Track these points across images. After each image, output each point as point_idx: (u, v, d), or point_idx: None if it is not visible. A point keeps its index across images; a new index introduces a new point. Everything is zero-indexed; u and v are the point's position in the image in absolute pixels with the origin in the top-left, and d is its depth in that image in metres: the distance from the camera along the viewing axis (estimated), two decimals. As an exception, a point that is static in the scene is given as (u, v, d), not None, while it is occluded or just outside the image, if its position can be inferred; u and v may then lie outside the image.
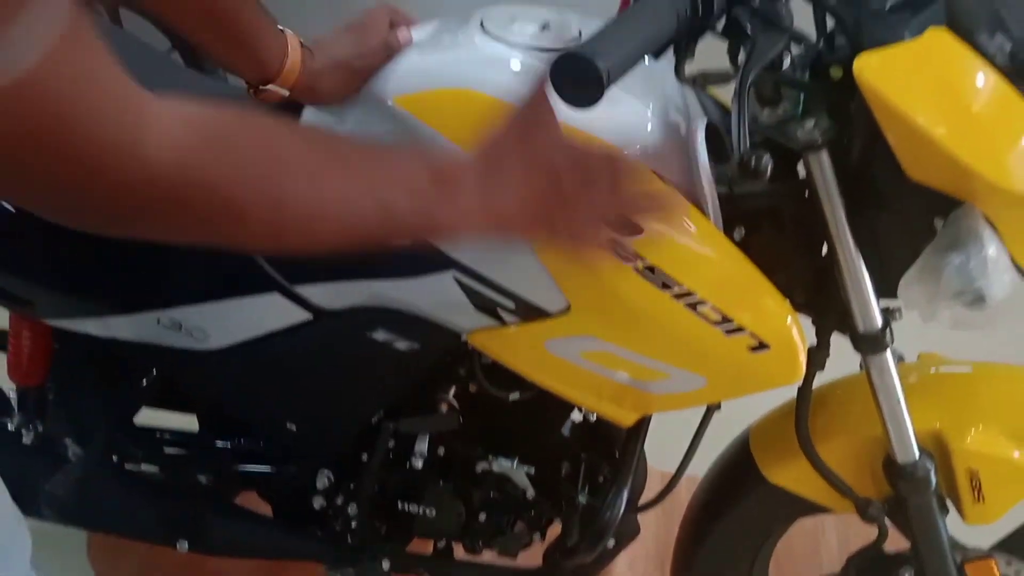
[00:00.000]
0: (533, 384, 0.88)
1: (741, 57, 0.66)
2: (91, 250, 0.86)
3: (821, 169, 0.74)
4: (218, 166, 0.52)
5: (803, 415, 0.91)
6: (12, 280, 0.92)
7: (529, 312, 0.82)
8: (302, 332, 0.90)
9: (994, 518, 0.92)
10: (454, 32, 0.83)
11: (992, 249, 0.68)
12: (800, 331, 0.81)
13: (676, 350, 0.81)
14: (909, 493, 0.89)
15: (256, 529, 1.12)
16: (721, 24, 0.67)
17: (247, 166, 0.54)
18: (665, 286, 0.76)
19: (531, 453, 1.02)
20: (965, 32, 0.66)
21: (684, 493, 1.10)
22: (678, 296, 0.77)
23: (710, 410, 0.99)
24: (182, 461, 1.14)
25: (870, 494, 0.94)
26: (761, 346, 0.79)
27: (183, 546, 1.09)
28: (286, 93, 0.82)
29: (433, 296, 0.83)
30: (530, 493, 1.03)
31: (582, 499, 1.01)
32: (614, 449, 1.01)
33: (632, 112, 0.78)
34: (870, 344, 0.82)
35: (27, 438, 1.09)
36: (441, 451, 1.02)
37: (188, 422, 1.17)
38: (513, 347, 0.85)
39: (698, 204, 0.77)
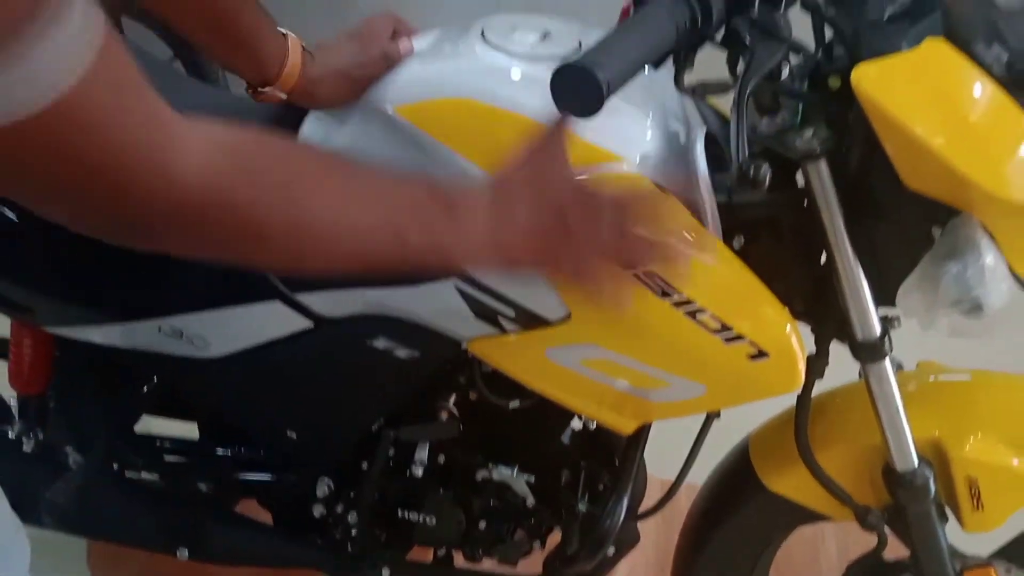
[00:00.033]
0: (533, 392, 0.88)
1: (740, 67, 0.67)
2: (92, 258, 0.86)
3: (820, 178, 0.75)
4: (243, 188, 0.53)
5: (802, 423, 0.91)
6: (13, 287, 0.92)
7: (529, 320, 0.82)
8: (303, 340, 0.91)
9: (993, 526, 0.92)
10: (455, 41, 0.83)
11: (990, 258, 0.69)
12: (799, 339, 0.81)
13: (676, 358, 0.82)
14: (908, 501, 0.90)
15: (256, 537, 1.12)
16: (720, 34, 0.67)
17: (270, 189, 0.55)
18: (665, 294, 0.77)
19: (531, 461, 1.03)
20: (962, 43, 0.66)
21: (684, 501, 1.10)
22: (678, 304, 0.77)
23: (710, 418, 1.00)
24: (182, 469, 1.14)
25: (869, 502, 0.94)
26: (760, 354, 0.79)
27: (183, 554, 1.09)
28: (284, 96, 0.83)
29: (434, 304, 0.84)
30: (530, 501, 1.03)
31: (582, 507, 1.01)
32: (614, 457, 1.02)
33: (632, 121, 0.78)
34: (869, 352, 0.82)
35: (27, 446, 1.10)
36: (441, 459, 1.03)
37: (188, 430, 1.17)
38: (513, 355, 0.86)
39: (697, 213, 0.78)
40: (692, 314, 0.77)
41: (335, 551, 1.09)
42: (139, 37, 1.70)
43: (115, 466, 1.10)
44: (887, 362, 0.83)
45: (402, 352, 0.89)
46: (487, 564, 1.10)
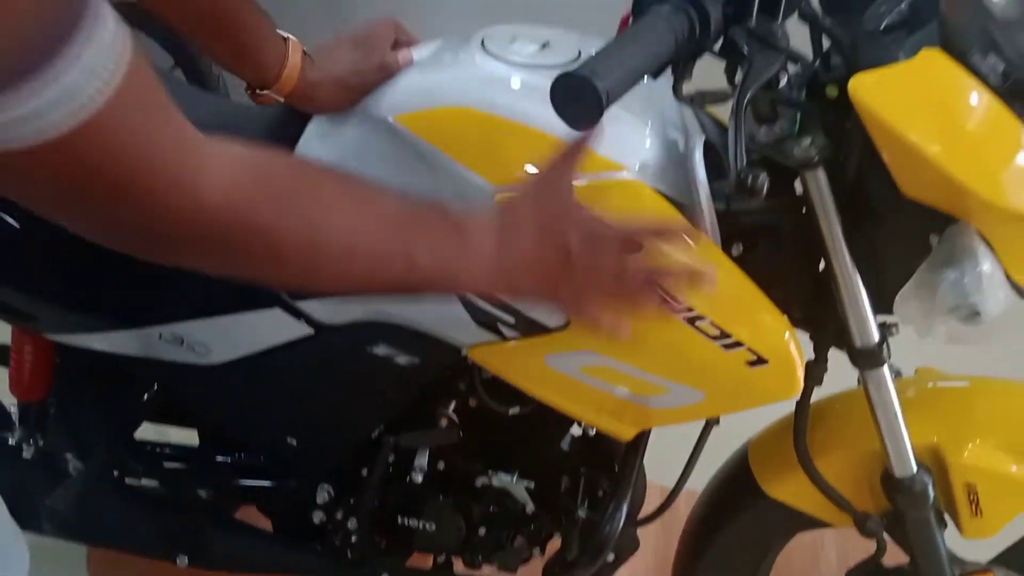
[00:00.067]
0: (533, 399, 0.88)
1: (738, 77, 0.67)
2: (94, 265, 0.86)
3: (818, 186, 0.75)
4: (264, 206, 0.54)
5: (801, 429, 0.91)
6: (15, 295, 0.92)
7: (529, 327, 0.83)
8: (303, 347, 0.91)
9: (992, 532, 0.93)
10: (455, 51, 0.84)
11: (987, 265, 0.69)
12: (798, 346, 0.82)
13: (675, 365, 0.82)
14: (907, 507, 0.90)
15: (256, 544, 1.12)
16: (718, 45, 0.68)
17: (290, 208, 0.56)
18: (664, 302, 0.77)
19: (531, 467, 1.03)
20: (958, 53, 0.67)
21: (683, 507, 1.10)
22: (677, 311, 0.77)
23: (709, 424, 1.00)
24: (182, 476, 1.14)
25: (868, 508, 0.94)
26: (759, 361, 0.80)
27: (183, 561, 1.09)
28: (282, 98, 0.84)
29: (434, 311, 0.84)
30: (530, 507, 1.04)
31: (581, 513, 1.01)
32: (613, 463, 1.02)
33: (631, 129, 0.79)
34: (867, 359, 0.83)
35: (27, 453, 1.10)
36: (441, 465, 1.03)
37: (188, 437, 1.17)
38: (513, 362, 0.86)
39: (696, 220, 0.78)
40: (691, 321, 0.78)
41: (335, 558, 1.09)
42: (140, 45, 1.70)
43: (115, 473, 1.10)
44: (885, 369, 0.83)
45: (402, 359, 0.89)
46: (487, 570, 1.10)
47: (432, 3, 2.33)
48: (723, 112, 0.73)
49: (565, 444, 1.04)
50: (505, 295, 0.76)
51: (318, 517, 1.08)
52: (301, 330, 0.90)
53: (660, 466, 1.11)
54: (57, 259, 0.89)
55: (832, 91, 0.72)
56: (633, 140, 0.78)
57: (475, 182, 0.76)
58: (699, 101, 0.71)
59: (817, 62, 0.76)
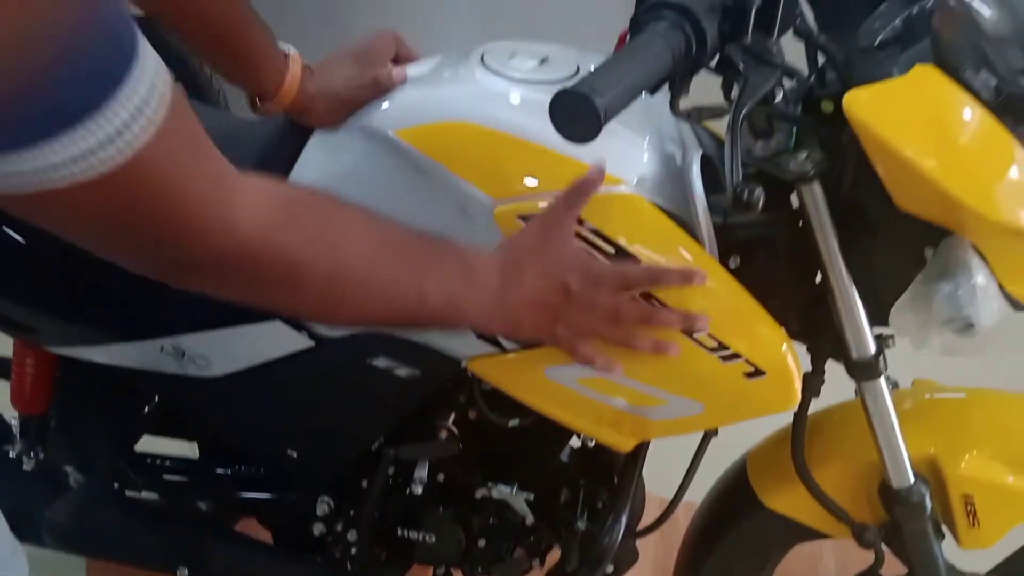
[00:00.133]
0: (532, 410, 0.89)
1: (734, 92, 0.68)
2: (96, 279, 0.87)
3: (814, 200, 0.76)
4: (293, 240, 0.57)
5: (799, 441, 0.92)
6: (18, 308, 0.93)
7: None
8: (304, 359, 0.91)
9: (990, 543, 0.93)
10: (455, 66, 0.85)
11: (980, 278, 0.70)
12: (795, 358, 0.82)
13: (673, 377, 0.82)
14: (905, 518, 0.90)
15: (256, 556, 1.12)
16: (715, 61, 0.69)
17: (317, 242, 0.59)
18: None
19: (530, 479, 1.03)
20: (951, 69, 0.68)
21: (682, 519, 1.10)
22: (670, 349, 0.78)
23: (707, 436, 1.00)
24: (182, 488, 1.14)
25: (866, 519, 0.94)
26: (757, 372, 0.80)
27: (183, 573, 1.09)
28: (281, 111, 0.85)
29: (434, 324, 0.85)
30: (529, 519, 1.04)
31: (581, 525, 1.01)
32: (612, 475, 1.02)
33: (629, 144, 0.80)
34: (864, 371, 0.83)
35: (28, 465, 1.10)
36: (441, 477, 1.03)
37: (188, 449, 1.18)
38: (513, 374, 0.86)
39: (694, 233, 0.79)
40: (689, 333, 0.78)
41: (335, 570, 1.09)
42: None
43: (115, 485, 1.10)
44: (882, 380, 0.84)
45: (402, 371, 0.90)
46: (487, 582, 1.10)
47: (432, 18, 2.35)
48: (720, 127, 0.74)
49: (564, 456, 1.05)
50: (505, 332, 0.79)
51: (318, 529, 1.08)
52: (302, 342, 0.90)
53: (659, 477, 1.11)
54: (59, 272, 0.89)
55: (827, 106, 0.73)
56: (631, 155, 0.79)
57: (475, 196, 0.77)
58: (696, 116, 0.72)
59: (812, 77, 0.77)
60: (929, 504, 0.89)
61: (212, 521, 1.15)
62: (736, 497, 1.04)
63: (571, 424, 0.89)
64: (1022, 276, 0.73)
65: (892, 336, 0.86)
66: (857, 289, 0.79)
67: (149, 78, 0.44)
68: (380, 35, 0.88)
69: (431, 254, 0.68)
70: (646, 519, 1.10)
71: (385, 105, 0.83)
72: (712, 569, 1.08)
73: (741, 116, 0.65)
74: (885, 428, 0.86)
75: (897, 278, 0.76)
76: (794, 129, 0.75)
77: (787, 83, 0.76)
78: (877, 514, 0.93)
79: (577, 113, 0.59)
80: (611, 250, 0.77)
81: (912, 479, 0.88)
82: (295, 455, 1.02)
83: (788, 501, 0.98)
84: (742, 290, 0.80)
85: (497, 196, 0.77)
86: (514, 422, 0.94)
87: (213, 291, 0.59)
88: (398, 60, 0.88)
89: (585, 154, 0.75)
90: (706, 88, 0.72)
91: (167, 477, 1.14)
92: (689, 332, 0.78)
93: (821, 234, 0.77)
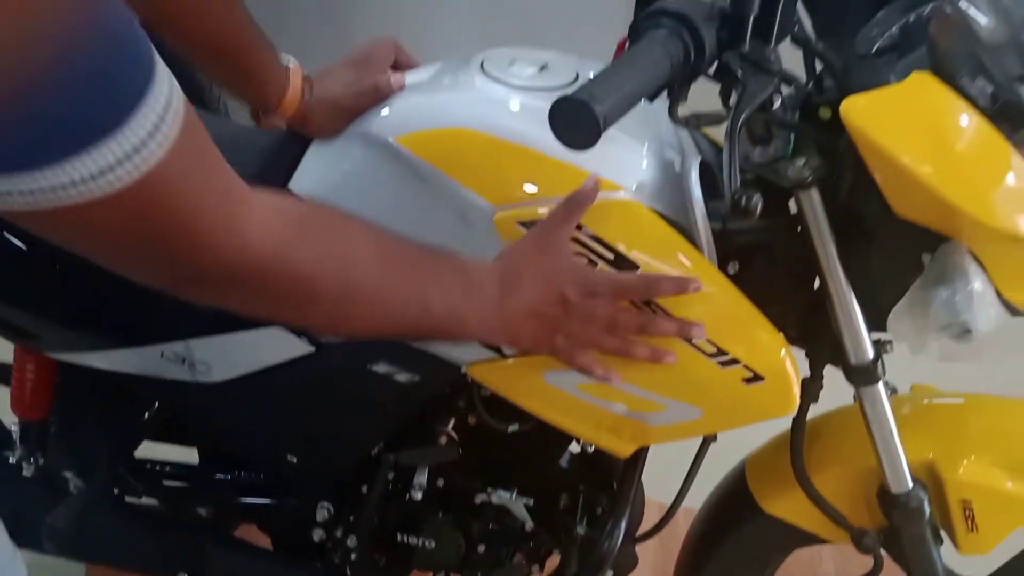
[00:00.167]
0: (532, 416, 0.89)
1: (732, 99, 0.68)
2: (98, 285, 0.87)
3: (812, 206, 0.76)
4: (303, 254, 0.57)
5: (798, 446, 0.92)
6: (20, 314, 0.93)
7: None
8: (304, 365, 0.92)
9: (988, 548, 0.93)
10: (455, 73, 0.85)
11: (978, 283, 0.70)
12: (794, 363, 0.82)
13: (672, 382, 0.83)
14: (903, 523, 0.90)
15: (256, 561, 1.12)
16: (713, 68, 0.69)
17: (325, 256, 0.60)
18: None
19: (530, 485, 1.03)
20: (948, 76, 0.68)
21: (682, 524, 1.10)
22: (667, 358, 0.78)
23: (706, 441, 1.00)
24: (182, 493, 1.14)
25: (865, 524, 0.94)
26: (756, 378, 0.80)
27: (183, 578, 1.09)
28: (284, 123, 0.86)
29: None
30: (529, 525, 1.04)
31: (580, 530, 1.01)
32: (612, 480, 1.02)
33: (628, 150, 0.80)
34: (862, 376, 0.84)
35: (28, 471, 1.10)
36: (440, 483, 1.03)
37: (188, 455, 1.18)
38: (512, 379, 0.87)
39: (692, 239, 0.79)
40: (688, 339, 0.78)
41: (334, 575, 1.09)
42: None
43: (115, 491, 1.10)
44: (880, 385, 0.84)
45: (402, 376, 0.90)
46: (486, 587, 1.10)
47: (431, 25, 2.36)
48: (719, 134, 0.74)
49: (564, 461, 1.05)
50: (505, 343, 0.79)
51: (318, 535, 1.08)
52: (302, 348, 0.91)
53: (658, 483, 1.11)
54: (60, 278, 0.90)
55: (825, 113, 0.74)
56: (630, 161, 0.80)
57: (475, 202, 0.77)
58: (694, 123, 0.73)
59: (810, 84, 0.78)
60: (927, 509, 0.89)
61: (212, 527, 1.14)
62: (735, 502, 1.04)
63: (570, 429, 0.89)
64: (1019, 282, 0.73)
65: (890, 341, 0.86)
66: (855, 295, 0.80)
67: (165, 95, 0.44)
68: (379, 42, 0.89)
69: (434, 267, 0.69)
70: (645, 524, 1.10)
71: (385, 112, 0.83)
72: (711, 574, 1.08)
73: (739, 123, 0.66)
74: (883, 433, 0.86)
75: (895, 284, 0.76)
76: (792, 136, 0.75)
77: (785, 90, 0.76)
78: (876, 519, 0.94)
79: (576, 120, 0.59)
80: (610, 256, 0.77)
81: (911, 484, 0.88)
82: (295, 461, 1.02)
83: (787, 506, 0.98)
84: (741, 296, 0.80)
85: (497, 202, 0.77)
86: (514, 427, 0.94)
87: (224, 305, 0.59)
88: (398, 67, 0.89)
89: (584, 161, 0.75)
90: (704, 95, 0.72)
91: (167, 483, 1.15)
92: (686, 340, 0.78)
93: (819, 240, 0.78)
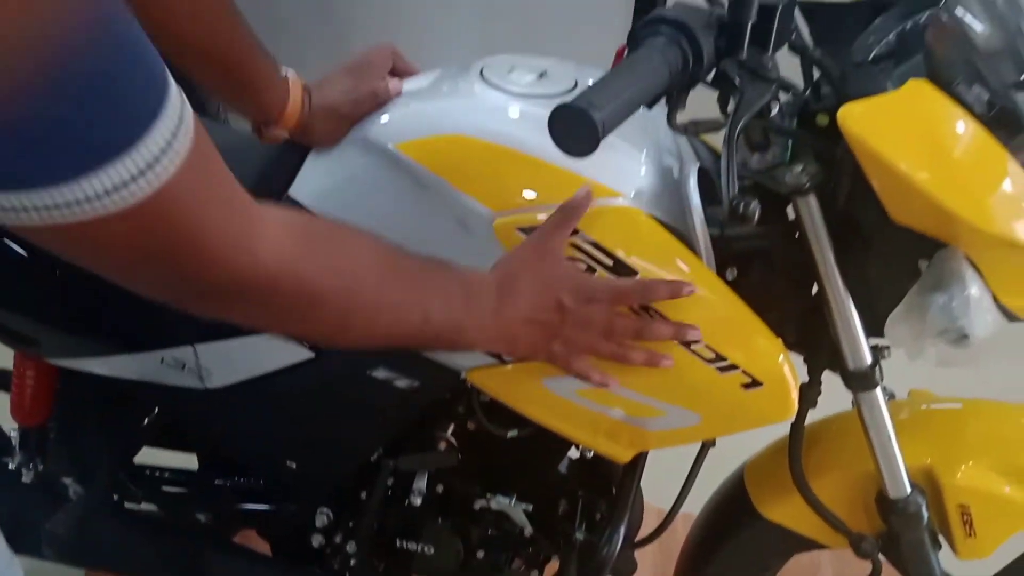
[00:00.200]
0: (531, 421, 0.89)
1: (730, 106, 0.69)
2: (98, 291, 0.87)
3: (809, 212, 0.77)
4: (309, 267, 0.58)
5: (796, 451, 0.92)
6: (20, 320, 0.93)
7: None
8: (304, 370, 0.92)
9: (986, 553, 0.93)
10: (455, 80, 0.86)
11: (974, 289, 0.71)
12: (792, 369, 0.83)
13: (671, 387, 0.83)
14: (902, 528, 0.91)
15: (255, 567, 1.12)
16: (711, 76, 0.70)
17: (331, 267, 0.61)
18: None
19: (529, 490, 1.03)
20: (944, 83, 0.69)
21: (680, 529, 1.10)
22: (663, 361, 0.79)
23: (705, 446, 1.01)
24: (181, 499, 1.14)
25: (864, 529, 0.95)
26: (754, 383, 0.81)
27: (182, 584, 1.09)
28: (287, 135, 0.86)
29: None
30: (528, 530, 1.04)
31: (579, 536, 1.01)
32: (611, 486, 1.02)
33: (627, 157, 0.80)
34: (860, 381, 0.84)
35: (27, 477, 1.10)
36: (440, 488, 1.03)
37: (187, 460, 1.18)
38: (511, 385, 0.87)
39: (691, 245, 0.79)
40: (687, 344, 0.79)
41: (334, 581, 1.09)
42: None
43: (115, 497, 1.10)
44: (878, 391, 0.85)
45: (402, 382, 0.90)
46: (485, 594, 1.10)
47: (430, 33, 2.36)
48: (717, 140, 0.75)
49: (563, 467, 1.05)
50: (503, 349, 0.80)
51: (317, 540, 1.08)
52: (302, 354, 0.91)
53: (657, 488, 1.12)
54: (62, 285, 0.90)
55: (822, 120, 0.74)
56: (629, 167, 0.80)
57: (475, 208, 0.78)
58: (693, 130, 0.73)
59: (808, 91, 0.78)
60: (926, 514, 0.90)
61: (211, 533, 1.14)
62: (734, 507, 1.04)
63: (569, 435, 0.90)
64: (1016, 287, 0.74)
65: (888, 347, 0.86)
66: (853, 300, 0.80)
67: (177, 110, 0.45)
68: (377, 49, 0.89)
69: (434, 278, 0.70)
70: (644, 530, 1.10)
71: (384, 118, 0.84)
72: (711, 580, 1.08)
73: (737, 130, 0.66)
74: (882, 439, 0.86)
75: (892, 289, 0.76)
76: (790, 142, 0.76)
77: (783, 97, 0.76)
78: (874, 524, 0.94)
79: (576, 127, 0.60)
80: (609, 262, 0.78)
81: (909, 489, 0.89)
82: (294, 466, 1.03)
83: (786, 511, 0.98)
84: (739, 301, 0.80)
85: (496, 208, 0.78)
86: (513, 433, 0.95)
87: (230, 318, 0.60)
88: (396, 73, 0.89)
89: (584, 167, 0.75)
90: (703, 102, 0.73)
91: (166, 489, 1.15)
92: (682, 343, 0.78)
93: (817, 246, 0.78)
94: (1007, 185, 0.69)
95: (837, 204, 0.77)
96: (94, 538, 1.08)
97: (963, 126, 0.68)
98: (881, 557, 0.96)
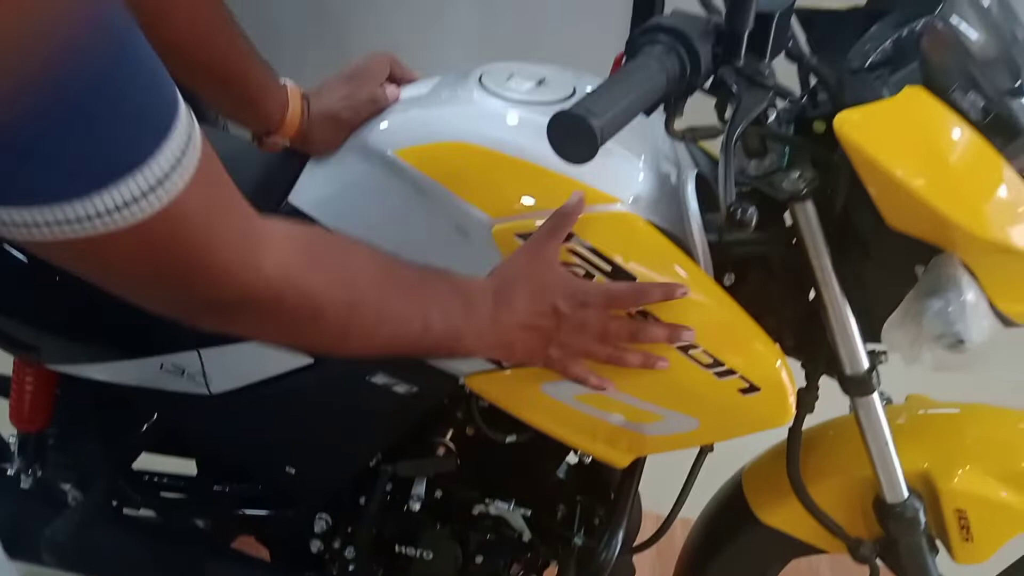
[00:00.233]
0: (530, 427, 0.89)
1: (728, 113, 0.69)
2: (97, 297, 0.87)
3: (806, 218, 0.77)
4: (314, 279, 0.59)
5: (794, 456, 0.93)
6: (20, 327, 0.93)
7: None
8: (303, 376, 0.92)
9: (983, 557, 0.93)
10: (454, 87, 0.86)
11: (970, 294, 0.71)
12: (789, 374, 0.83)
13: (669, 392, 0.83)
14: (899, 533, 0.91)
15: (254, 573, 1.12)
16: (708, 83, 0.70)
17: (334, 279, 0.61)
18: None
19: (528, 495, 1.03)
20: (940, 90, 0.69)
21: (679, 534, 1.10)
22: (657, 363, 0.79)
23: (703, 451, 1.01)
24: (180, 505, 1.14)
25: (861, 534, 0.95)
26: (752, 388, 0.81)
27: (180, 590, 1.09)
28: (287, 143, 0.86)
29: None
30: (526, 535, 1.04)
31: (578, 541, 1.01)
32: (609, 491, 1.02)
33: (626, 163, 0.81)
34: (857, 386, 0.84)
35: (26, 483, 1.10)
36: (438, 494, 1.03)
37: (186, 466, 1.18)
38: (510, 390, 0.87)
39: (689, 251, 0.80)
40: (684, 349, 0.79)
41: (332, 587, 1.09)
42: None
43: (114, 503, 1.10)
44: (875, 396, 0.85)
45: (401, 388, 0.90)
46: (483, 599, 1.10)
47: (429, 40, 2.37)
48: (715, 147, 0.75)
49: (561, 472, 1.05)
50: (500, 355, 0.80)
51: (316, 546, 1.08)
52: (301, 359, 0.91)
53: (655, 494, 1.12)
54: (62, 292, 0.90)
55: (819, 126, 0.75)
56: (627, 173, 0.80)
57: (474, 215, 0.78)
58: (691, 137, 0.74)
59: (804, 98, 0.79)
60: (923, 519, 0.90)
61: (210, 538, 1.14)
62: (732, 513, 1.05)
63: (568, 440, 0.90)
64: (1011, 293, 0.74)
65: (885, 352, 0.87)
66: (850, 306, 0.80)
67: (186, 126, 0.45)
68: (375, 56, 0.90)
69: (432, 287, 0.71)
70: (643, 535, 1.10)
71: (384, 125, 0.84)
72: (709, 585, 1.09)
73: (735, 136, 0.67)
74: (879, 443, 0.87)
75: (889, 295, 0.77)
76: (787, 149, 0.76)
77: (780, 104, 0.77)
78: (872, 529, 0.94)
79: (574, 134, 0.60)
80: (607, 268, 0.78)
81: (906, 494, 0.89)
82: (293, 472, 1.03)
83: (784, 516, 0.98)
84: (737, 307, 0.80)
85: (495, 215, 0.78)
86: (511, 438, 0.95)
87: (236, 331, 0.61)
88: (394, 80, 0.90)
89: (582, 174, 0.76)
90: (701, 109, 0.73)
91: (165, 495, 1.14)
92: (676, 344, 0.79)
93: (814, 252, 0.78)
94: (1002, 191, 0.69)
95: (834, 210, 0.77)
96: (93, 544, 1.08)
97: (959, 133, 0.69)
98: (879, 562, 0.96)
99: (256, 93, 0.82)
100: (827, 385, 0.89)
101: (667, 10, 0.71)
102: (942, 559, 0.94)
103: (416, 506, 1.01)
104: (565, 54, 1.11)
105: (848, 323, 0.81)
